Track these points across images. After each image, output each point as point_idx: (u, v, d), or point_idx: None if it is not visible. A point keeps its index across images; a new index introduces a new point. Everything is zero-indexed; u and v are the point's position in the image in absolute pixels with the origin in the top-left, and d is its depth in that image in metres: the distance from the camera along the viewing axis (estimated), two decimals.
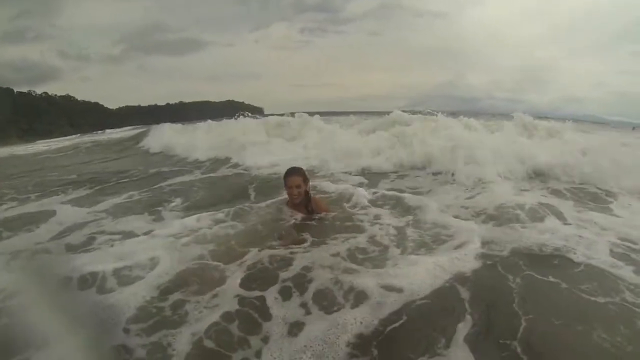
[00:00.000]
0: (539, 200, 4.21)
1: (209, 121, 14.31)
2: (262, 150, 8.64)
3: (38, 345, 1.74)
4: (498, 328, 1.94)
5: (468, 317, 2.02)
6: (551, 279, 2.43)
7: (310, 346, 1.79)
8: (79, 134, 35.80)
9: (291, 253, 2.80)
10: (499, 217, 3.65)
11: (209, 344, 1.86)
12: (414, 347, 1.82)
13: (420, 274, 2.39)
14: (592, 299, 2.20)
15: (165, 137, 13.02)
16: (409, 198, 4.27)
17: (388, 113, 10.27)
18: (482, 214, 3.78)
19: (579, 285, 2.35)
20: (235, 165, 7.74)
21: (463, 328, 1.93)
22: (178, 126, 15.13)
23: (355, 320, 1.97)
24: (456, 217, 3.62)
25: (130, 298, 2.23)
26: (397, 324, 1.97)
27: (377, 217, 3.65)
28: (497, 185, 5.01)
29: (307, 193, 3.63)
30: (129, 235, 3.48)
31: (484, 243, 2.93)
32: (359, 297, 2.18)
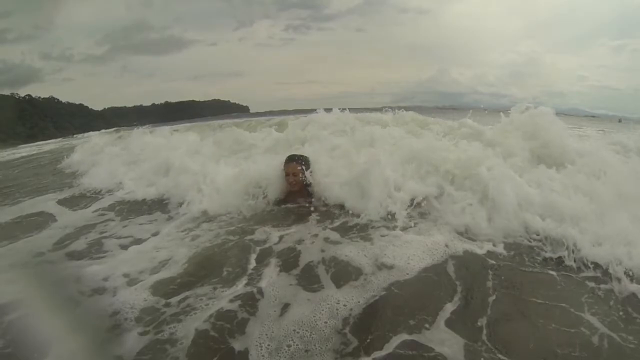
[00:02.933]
0: None
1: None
2: None
3: (42, 351, 1.73)
4: (480, 311, 1.97)
5: (455, 298, 2.07)
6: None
7: (298, 331, 1.82)
8: (59, 138, 34.36)
9: (283, 231, 2.97)
10: None
11: (211, 333, 1.89)
12: (397, 327, 1.85)
13: (412, 253, 2.46)
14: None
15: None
16: None
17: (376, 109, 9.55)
18: None
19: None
20: None
21: (448, 308, 1.98)
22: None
23: (340, 303, 2.02)
24: None
25: (133, 297, 2.22)
26: (384, 303, 2.04)
27: None
28: None
29: (307, 181, 3.65)
30: None
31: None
32: (348, 276, 2.28)
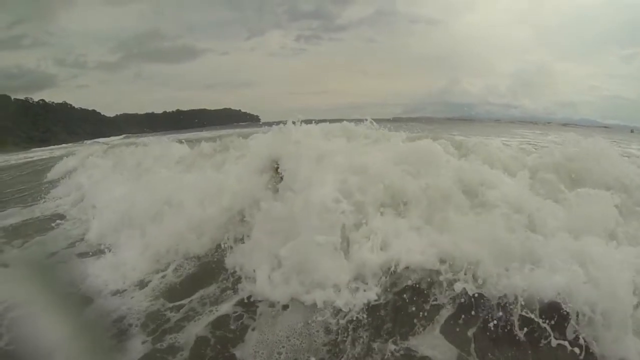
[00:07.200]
0: None
1: None
2: None
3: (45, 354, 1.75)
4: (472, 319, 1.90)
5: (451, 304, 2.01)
6: None
7: (289, 338, 1.81)
8: (70, 143, 34.94)
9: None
10: None
11: (212, 339, 1.92)
12: (391, 333, 1.83)
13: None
14: None
15: None
16: None
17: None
18: None
19: None
20: None
21: (443, 314, 1.94)
22: None
23: (335, 307, 2.00)
24: None
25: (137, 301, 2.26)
26: (380, 306, 2.01)
27: None
28: None
29: None
30: None
31: None
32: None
